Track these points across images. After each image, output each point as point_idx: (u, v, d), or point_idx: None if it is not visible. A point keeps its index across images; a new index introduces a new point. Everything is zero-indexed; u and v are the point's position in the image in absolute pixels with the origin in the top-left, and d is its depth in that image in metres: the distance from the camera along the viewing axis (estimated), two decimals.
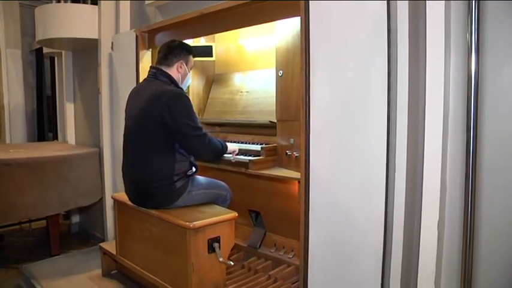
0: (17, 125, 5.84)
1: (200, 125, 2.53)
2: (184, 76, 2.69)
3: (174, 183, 2.50)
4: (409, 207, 1.90)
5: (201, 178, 2.73)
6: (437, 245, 1.81)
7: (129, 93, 2.76)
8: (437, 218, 1.80)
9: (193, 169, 2.65)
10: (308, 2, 2.14)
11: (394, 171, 1.91)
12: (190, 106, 2.51)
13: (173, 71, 2.63)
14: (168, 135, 2.45)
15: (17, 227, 4.72)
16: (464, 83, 1.72)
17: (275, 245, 2.99)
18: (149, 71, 2.68)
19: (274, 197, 2.96)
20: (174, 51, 2.63)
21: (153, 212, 2.56)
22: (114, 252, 3.03)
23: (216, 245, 2.41)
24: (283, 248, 2.93)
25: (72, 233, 4.78)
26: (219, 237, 2.43)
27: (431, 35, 1.79)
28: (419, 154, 1.87)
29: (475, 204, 1.67)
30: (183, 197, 2.57)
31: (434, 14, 1.77)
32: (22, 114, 5.88)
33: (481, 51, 1.67)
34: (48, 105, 6.19)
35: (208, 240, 2.39)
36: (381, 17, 1.87)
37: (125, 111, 2.73)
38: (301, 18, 2.20)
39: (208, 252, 2.40)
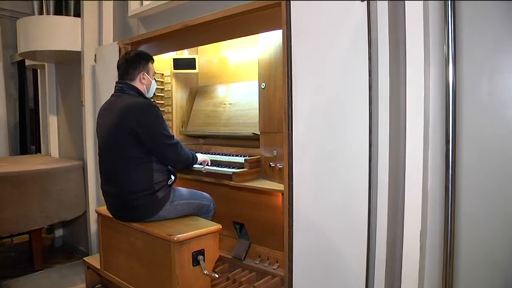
0: None
1: (172, 133, 2.54)
2: (148, 86, 2.69)
3: (155, 193, 2.50)
4: (391, 218, 1.92)
5: (183, 189, 2.74)
6: (420, 255, 1.83)
7: None
8: (420, 229, 1.82)
9: (172, 177, 2.64)
10: (290, 15, 2.17)
11: (377, 183, 1.94)
12: (161, 116, 2.53)
13: (137, 84, 2.62)
14: (143, 147, 2.46)
15: None
16: (444, 94, 1.75)
17: (260, 256, 2.99)
18: (115, 86, 2.66)
19: (259, 209, 2.96)
20: (132, 64, 2.61)
21: (137, 225, 2.54)
22: (98, 267, 2.99)
23: (200, 257, 2.40)
24: (268, 259, 2.93)
25: (56, 247, 4.71)
26: (204, 249, 2.42)
27: (411, 47, 1.82)
28: (400, 165, 1.90)
29: (455, 215, 1.70)
30: (166, 207, 2.56)
31: (413, 27, 1.81)
32: (4, 127, 5.82)
33: (459, 63, 1.71)
34: (31, 117, 6.13)
35: (192, 253, 2.38)
36: (361, 30, 1.90)
37: (96, 129, 2.72)
38: (282, 31, 2.23)
39: (193, 265, 2.39)
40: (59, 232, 4.77)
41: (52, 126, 4.75)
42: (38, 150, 5.49)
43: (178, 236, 2.30)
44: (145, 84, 2.66)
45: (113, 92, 2.67)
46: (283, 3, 2.21)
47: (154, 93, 3.37)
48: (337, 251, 2.06)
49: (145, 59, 2.67)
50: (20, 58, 5.27)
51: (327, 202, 2.08)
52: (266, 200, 2.89)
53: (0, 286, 3.44)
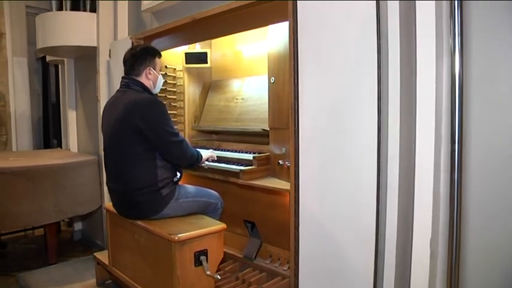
0: (23, 132, 5.86)
1: (177, 130, 2.48)
2: (155, 81, 2.63)
3: (159, 190, 2.45)
4: (401, 220, 1.82)
5: (189, 186, 2.69)
6: (430, 262, 1.72)
7: None
8: (430, 234, 1.70)
9: (178, 174, 2.59)
10: (296, 7, 2.08)
11: (386, 182, 1.84)
12: (166, 112, 2.48)
13: (143, 79, 2.56)
14: (147, 143, 2.41)
15: (22, 233, 4.70)
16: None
17: (271, 256, 2.90)
18: (121, 81, 2.62)
19: (270, 208, 2.87)
20: (138, 59, 2.55)
21: (140, 222, 2.50)
22: (107, 263, 2.98)
23: (203, 258, 2.33)
24: (279, 259, 2.84)
25: (75, 240, 4.76)
26: (206, 250, 2.35)
27: (422, 40, 1.70)
28: (411, 165, 1.78)
29: (462, 219, 1.57)
30: (170, 204, 2.51)
31: (425, 18, 1.69)
32: (28, 122, 5.91)
33: (469, 57, 1.57)
34: (53, 112, 6.22)
35: (194, 253, 2.32)
36: (370, 22, 1.81)
37: (102, 124, 2.69)
38: (289, 24, 2.14)
39: (195, 266, 2.33)
40: (78, 225, 4.81)
41: (71, 120, 4.80)
42: (60, 144, 5.55)
43: (179, 235, 2.24)
44: (152, 80, 2.60)
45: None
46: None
47: (165, 88, 3.34)
48: (345, 255, 1.97)
49: (152, 54, 2.61)
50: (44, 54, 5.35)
51: (335, 203, 1.99)
52: (277, 199, 2.79)
53: (15, 278, 3.47)
